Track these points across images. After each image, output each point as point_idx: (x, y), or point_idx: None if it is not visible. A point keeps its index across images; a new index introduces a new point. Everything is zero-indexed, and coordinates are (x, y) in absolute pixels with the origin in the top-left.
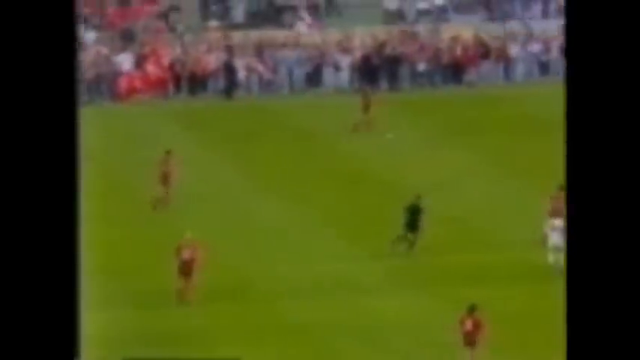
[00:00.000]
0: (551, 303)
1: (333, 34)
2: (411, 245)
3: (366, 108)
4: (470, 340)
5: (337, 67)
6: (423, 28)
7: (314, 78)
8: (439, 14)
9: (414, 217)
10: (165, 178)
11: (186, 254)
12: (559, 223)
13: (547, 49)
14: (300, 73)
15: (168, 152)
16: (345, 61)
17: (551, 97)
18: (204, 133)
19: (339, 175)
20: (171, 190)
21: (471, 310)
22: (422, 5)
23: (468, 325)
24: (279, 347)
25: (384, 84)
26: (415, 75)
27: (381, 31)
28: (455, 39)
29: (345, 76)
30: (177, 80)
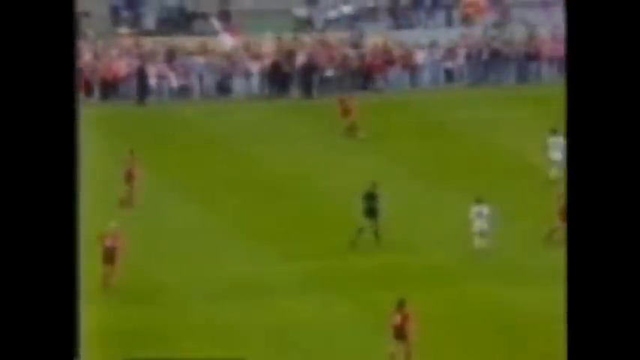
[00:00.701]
0: (466, 305)
1: (243, 41)
2: (375, 233)
3: (346, 113)
4: (400, 333)
5: (247, 74)
6: (331, 36)
7: (224, 85)
8: (347, 22)
9: (371, 205)
10: (129, 178)
11: (109, 242)
12: (482, 209)
13: (451, 57)
14: (210, 79)
15: (131, 152)
16: (255, 68)
17: (455, 104)
18: (115, 139)
19: (251, 180)
20: (135, 189)
21: (400, 305)
22: (331, 13)
23: (398, 319)
24: (192, 349)
25: (294, 91)
26: (324, 82)
27: (290, 39)
28: (363, 46)
29: (255, 82)
30: (88, 86)
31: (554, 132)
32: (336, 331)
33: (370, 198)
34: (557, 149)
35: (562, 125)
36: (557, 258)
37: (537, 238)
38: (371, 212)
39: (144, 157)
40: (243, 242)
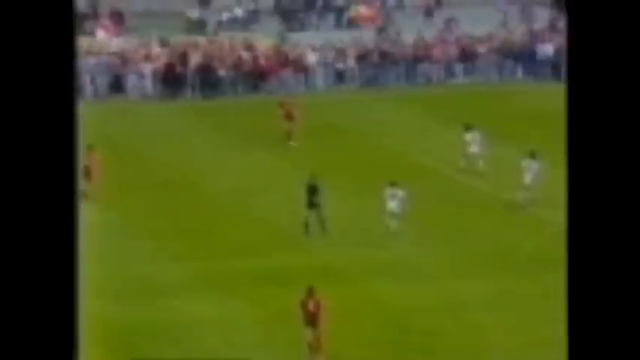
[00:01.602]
0: (354, 303)
1: (136, 42)
2: (322, 222)
3: (288, 117)
4: (311, 319)
5: (140, 75)
6: (224, 38)
7: (117, 85)
8: (240, 24)
9: (312, 196)
10: (88, 174)
11: None
12: (395, 191)
13: (342, 58)
14: (103, 80)
15: (90, 148)
16: (148, 69)
17: (346, 104)
18: None
19: (143, 180)
20: (95, 184)
21: (310, 292)
22: (224, 15)
23: (310, 305)
24: (84, 347)
25: (188, 92)
26: (218, 83)
27: (183, 40)
28: (255, 49)
29: (148, 83)
30: None
31: (468, 128)
32: (230, 328)
33: (312, 190)
34: (474, 144)
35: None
36: (450, 255)
37: (432, 237)
38: (313, 204)
39: None
40: (137, 242)
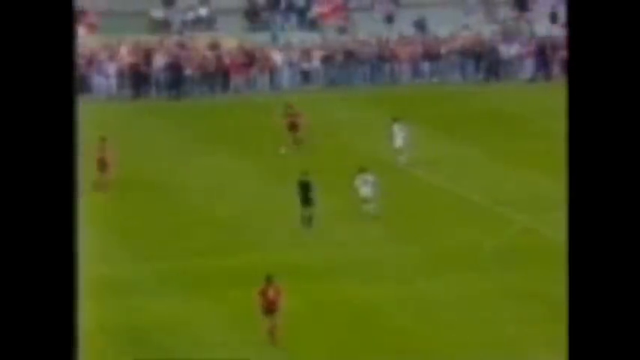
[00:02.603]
0: (321, 301)
1: (100, 42)
2: (309, 220)
3: (293, 127)
4: (270, 307)
5: (106, 75)
6: (189, 38)
7: (82, 85)
8: (204, 24)
9: (306, 193)
10: (102, 165)
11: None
12: (366, 177)
13: (307, 58)
14: None
15: (103, 139)
16: (113, 69)
17: (312, 104)
18: None
19: (110, 180)
20: (110, 175)
21: (269, 280)
22: (188, 15)
23: (270, 293)
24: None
25: (153, 92)
26: (183, 83)
27: (149, 40)
28: (220, 47)
29: (113, 83)
30: None
31: (396, 120)
32: (194, 328)
33: (304, 187)
34: (399, 137)
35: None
36: (410, 254)
37: (399, 235)
38: (306, 201)
39: None
40: (99, 242)
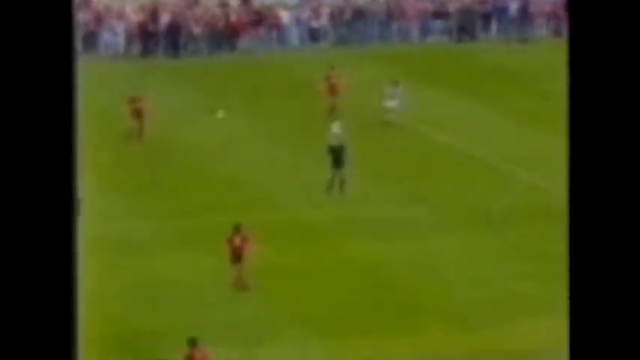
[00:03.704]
0: (332, 260)
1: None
2: (341, 183)
3: (332, 91)
4: (237, 255)
5: (113, 33)
6: None
7: (90, 42)
8: None
9: (337, 155)
10: (138, 114)
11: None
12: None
13: (315, 16)
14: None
15: (137, 90)
16: (120, 28)
17: (320, 63)
18: None
19: (117, 138)
20: (146, 124)
21: (237, 228)
22: None
23: (237, 241)
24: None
25: (160, 50)
26: (191, 41)
27: None
28: (227, 5)
29: (120, 42)
30: None
31: (395, 83)
32: (202, 287)
33: (336, 149)
34: (394, 98)
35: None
36: (418, 212)
37: (407, 194)
38: (338, 163)
39: None
40: (111, 199)
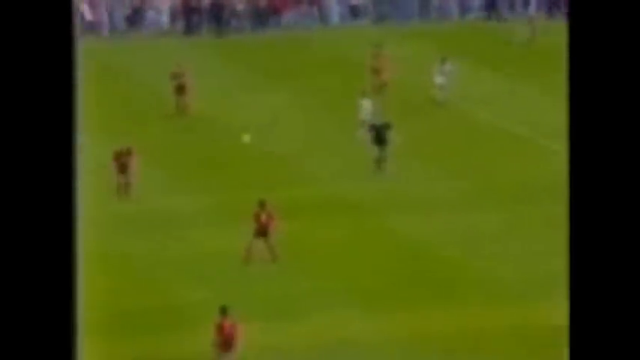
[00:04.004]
0: (368, 234)
1: None
2: (383, 160)
3: (377, 71)
4: (263, 230)
5: (157, 10)
6: None
7: (135, 20)
8: None
9: (380, 133)
10: (180, 90)
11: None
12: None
13: None
14: (120, 14)
15: (179, 66)
16: (165, 5)
17: (361, 40)
18: None
19: (162, 115)
20: (189, 99)
21: (262, 204)
22: None
23: (263, 217)
24: (107, 281)
25: (203, 28)
26: (234, 18)
27: None
28: None
29: (165, 18)
30: None
31: (444, 60)
32: (245, 261)
33: (379, 127)
34: (443, 75)
35: (461, 56)
36: (458, 188)
37: (444, 169)
38: (380, 140)
39: None
40: (155, 175)
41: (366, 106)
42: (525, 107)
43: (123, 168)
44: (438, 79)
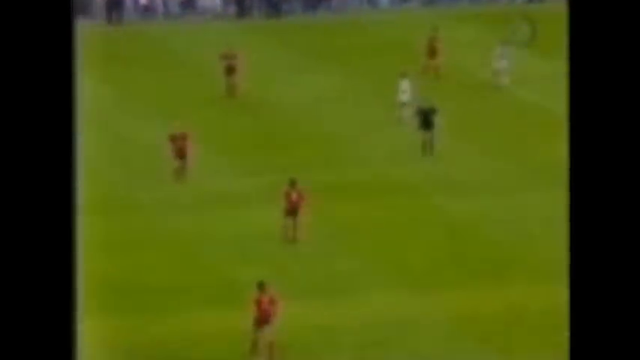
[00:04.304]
0: (418, 215)
1: None
2: (429, 143)
3: (433, 53)
4: (293, 209)
5: None
6: None
7: (189, 3)
8: None
9: (427, 117)
10: (231, 71)
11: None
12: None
13: None
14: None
15: (230, 48)
16: None
17: (411, 23)
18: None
19: (215, 98)
20: (239, 80)
21: (293, 183)
22: None
23: (294, 196)
24: (157, 258)
25: (256, 10)
26: (285, 2)
27: None
28: None
29: (217, 2)
30: None
31: (503, 43)
32: (295, 240)
33: (426, 112)
34: (503, 58)
35: (515, 39)
36: (506, 169)
37: (487, 149)
38: (427, 125)
39: (110, 75)
40: (208, 156)
41: (405, 87)
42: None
43: (180, 152)
44: (498, 63)
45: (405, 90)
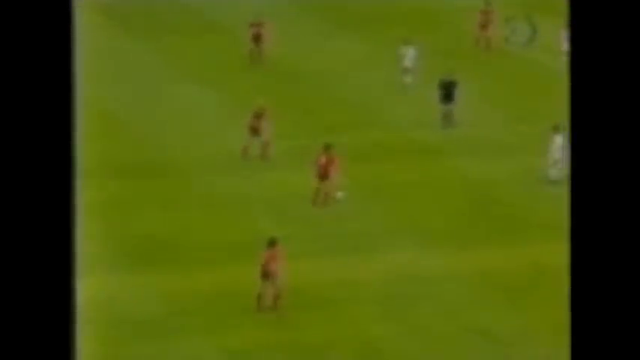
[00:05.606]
0: (438, 176)
1: None
2: (450, 115)
3: (484, 25)
4: (324, 172)
5: None
6: None
7: None
8: None
9: (448, 91)
10: (257, 38)
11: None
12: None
13: None
14: None
15: (257, 16)
16: None
17: None
18: (132, 32)
19: (250, 64)
20: (266, 48)
21: (327, 147)
22: None
23: (322, 160)
24: (193, 218)
25: None
26: None
27: None
28: None
29: None
30: None
31: (528, 18)
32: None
33: (447, 85)
34: (520, 34)
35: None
36: (525, 133)
37: (510, 115)
38: (448, 98)
39: (146, 43)
40: (237, 120)
41: (408, 53)
42: None
43: (255, 131)
44: (508, 32)
45: (409, 55)
